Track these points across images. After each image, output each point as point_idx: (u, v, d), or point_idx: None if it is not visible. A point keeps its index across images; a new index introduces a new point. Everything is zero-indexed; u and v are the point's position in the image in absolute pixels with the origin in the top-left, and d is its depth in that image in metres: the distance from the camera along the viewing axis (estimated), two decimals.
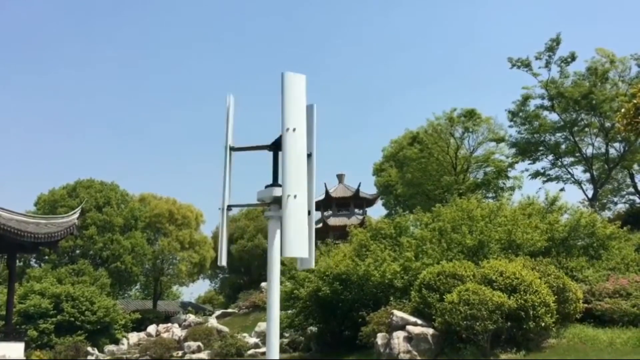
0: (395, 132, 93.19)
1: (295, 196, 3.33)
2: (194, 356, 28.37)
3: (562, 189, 38.73)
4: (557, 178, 39.86)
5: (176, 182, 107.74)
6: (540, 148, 39.49)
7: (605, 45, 44.37)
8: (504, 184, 41.76)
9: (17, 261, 31.83)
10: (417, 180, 41.30)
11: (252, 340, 28.69)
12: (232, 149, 3.64)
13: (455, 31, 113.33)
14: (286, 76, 3.51)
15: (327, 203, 47.24)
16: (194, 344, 29.33)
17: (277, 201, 3.55)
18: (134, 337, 34.39)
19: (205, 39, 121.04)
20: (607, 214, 39.35)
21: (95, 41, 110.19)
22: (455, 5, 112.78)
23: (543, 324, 16.11)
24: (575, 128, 37.85)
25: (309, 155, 3.65)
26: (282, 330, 25.05)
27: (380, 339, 18.04)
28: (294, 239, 3.30)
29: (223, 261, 3.58)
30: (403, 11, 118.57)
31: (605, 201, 43.07)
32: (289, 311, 24.48)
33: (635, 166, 38.83)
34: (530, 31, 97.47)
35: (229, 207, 3.60)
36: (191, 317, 38.75)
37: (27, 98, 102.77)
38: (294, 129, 3.43)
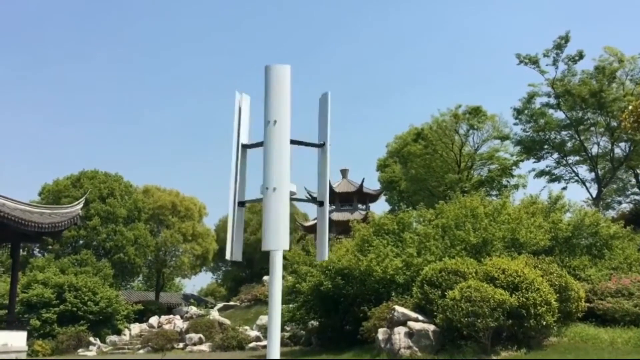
0: (400, 128, 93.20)
1: (274, 189, 3.33)
2: (195, 348, 28.46)
3: (564, 188, 38.74)
4: (562, 177, 39.80)
5: (180, 174, 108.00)
6: (545, 146, 39.38)
7: (612, 44, 44.12)
8: (508, 182, 41.69)
9: (21, 250, 31.93)
10: (421, 176, 41.25)
11: (254, 333, 28.78)
12: (245, 146, 3.62)
13: (462, 28, 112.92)
14: (269, 69, 3.50)
15: (331, 198, 47.21)
16: (195, 336, 29.43)
17: None
18: (135, 328, 34.50)
19: (209, 33, 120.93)
20: (611, 213, 39.26)
21: (102, 34, 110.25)
22: (462, 2, 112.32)
23: (544, 322, 16.07)
24: (581, 127, 37.71)
25: (322, 145, 3.63)
26: (284, 324, 25.09)
27: (381, 334, 18.04)
28: (273, 232, 3.30)
29: (233, 256, 3.56)
30: (408, 7, 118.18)
31: (609, 201, 42.94)
32: (291, 305, 24.51)
33: None
34: (536, 29, 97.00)
35: (241, 203, 3.60)
36: (193, 309, 38.86)
37: (34, 90, 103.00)
38: (275, 122, 3.43)
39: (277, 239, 3.29)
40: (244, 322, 32.40)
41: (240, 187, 3.59)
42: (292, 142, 3.59)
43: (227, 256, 3.58)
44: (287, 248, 3.39)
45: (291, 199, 3.57)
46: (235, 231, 3.55)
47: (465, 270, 17.60)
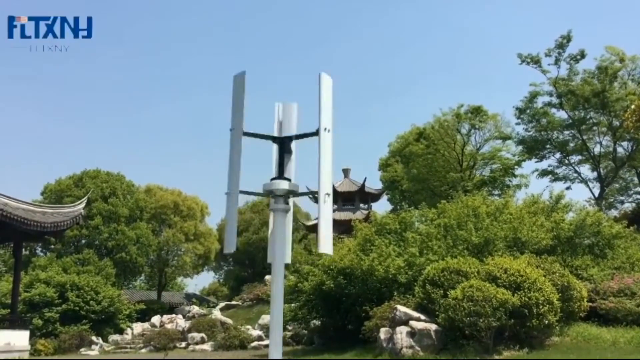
0: (402, 127, 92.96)
1: (327, 195, 3.42)
2: (197, 347, 28.50)
3: (568, 188, 38.67)
4: (565, 177, 39.75)
5: (182, 173, 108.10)
6: (547, 146, 39.33)
7: (613, 43, 44.04)
8: (510, 181, 41.65)
9: (23, 250, 32.02)
10: (423, 176, 41.22)
11: (256, 332, 28.80)
12: (246, 134, 3.64)
13: (463, 27, 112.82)
14: (322, 77, 3.57)
15: (333, 197, 47.08)
16: (197, 335, 29.46)
17: (284, 195, 3.56)
18: (138, 327, 34.54)
19: (210, 32, 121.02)
20: (614, 213, 39.21)
21: (104, 32, 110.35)
22: (463, 1, 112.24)
23: (546, 322, 16.04)
24: (584, 126, 37.65)
25: (316, 133, 3.66)
26: (286, 323, 25.09)
27: (383, 333, 18.03)
28: (328, 236, 3.39)
29: (232, 247, 3.56)
30: (409, 7, 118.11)
31: (612, 200, 42.90)
32: (293, 304, 24.51)
33: None
34: (537, 29, 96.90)
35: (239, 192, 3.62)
36: (195, 309, 38.90)
37: (35, 89, 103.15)
38: (329, 130, 3.50)
39: (330, 243, 3.39)
40: (246, 321, 32.43)
41: (238, 175, 3.63)
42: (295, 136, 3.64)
43: (228, 249, 3.58)
44: (332, 252, 3.53)
45: (294, 193, 3.63)
46: (230, 221, 3.59)
47: (467, 270, 17.57)
